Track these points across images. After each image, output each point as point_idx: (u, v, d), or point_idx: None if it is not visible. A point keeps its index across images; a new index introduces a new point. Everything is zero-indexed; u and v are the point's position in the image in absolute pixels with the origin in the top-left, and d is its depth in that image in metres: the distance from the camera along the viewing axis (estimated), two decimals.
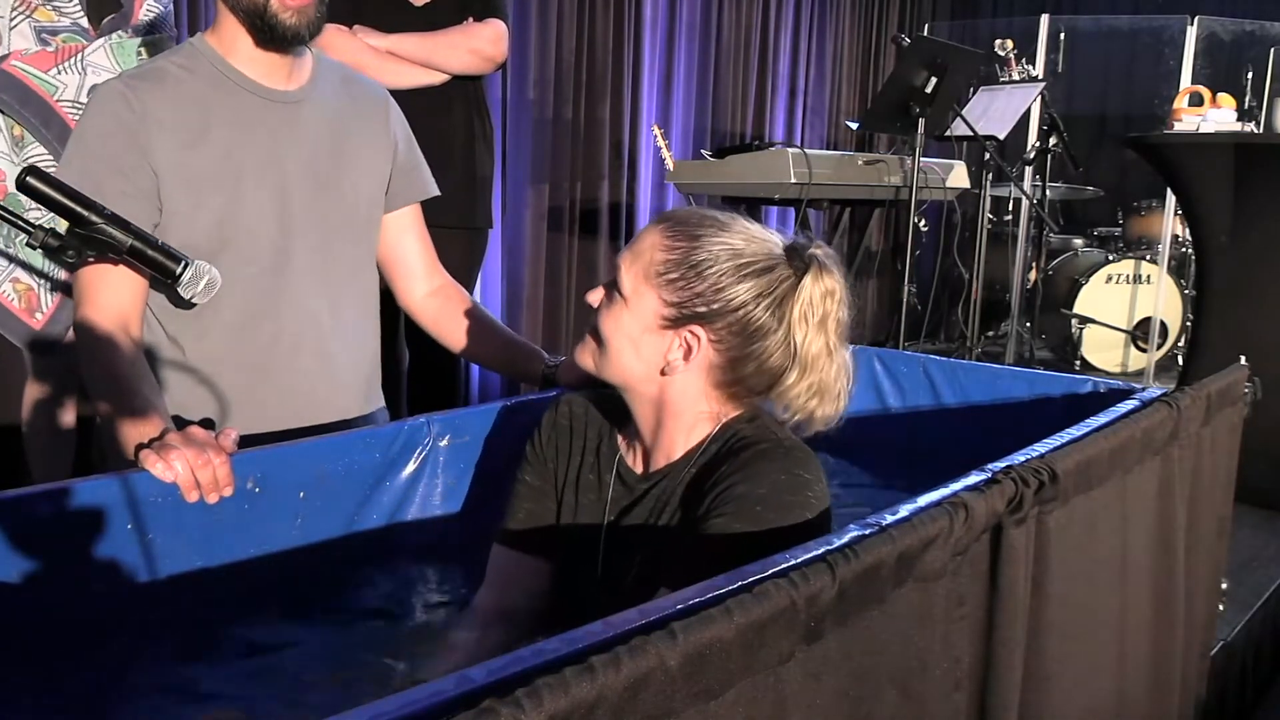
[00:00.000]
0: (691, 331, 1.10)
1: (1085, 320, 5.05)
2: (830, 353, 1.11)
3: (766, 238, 1.13)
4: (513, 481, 1.28)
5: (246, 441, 1.24)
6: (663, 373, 1.12)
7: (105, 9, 1.94)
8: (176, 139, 1.40)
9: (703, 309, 1.09)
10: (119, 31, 1.94)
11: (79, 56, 1.90)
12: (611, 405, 1.23)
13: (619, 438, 1.23)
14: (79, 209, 1.21)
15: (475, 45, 2.45)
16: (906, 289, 3.81)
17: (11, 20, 1.87)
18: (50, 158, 1.88)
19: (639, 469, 1.20)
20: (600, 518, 1.21)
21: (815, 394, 1.12)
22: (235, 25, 1.42)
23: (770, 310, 1.09)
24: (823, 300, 1.10)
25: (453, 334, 1.69)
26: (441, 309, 1.69)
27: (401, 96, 1.72)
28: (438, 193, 1.72)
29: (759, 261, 1.09)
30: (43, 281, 1.96)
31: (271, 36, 1.40)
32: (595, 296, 1.18)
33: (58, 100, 1.89)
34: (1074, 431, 1.20)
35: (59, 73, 1.89)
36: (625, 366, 1.14)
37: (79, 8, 1.91)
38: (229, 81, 1.44)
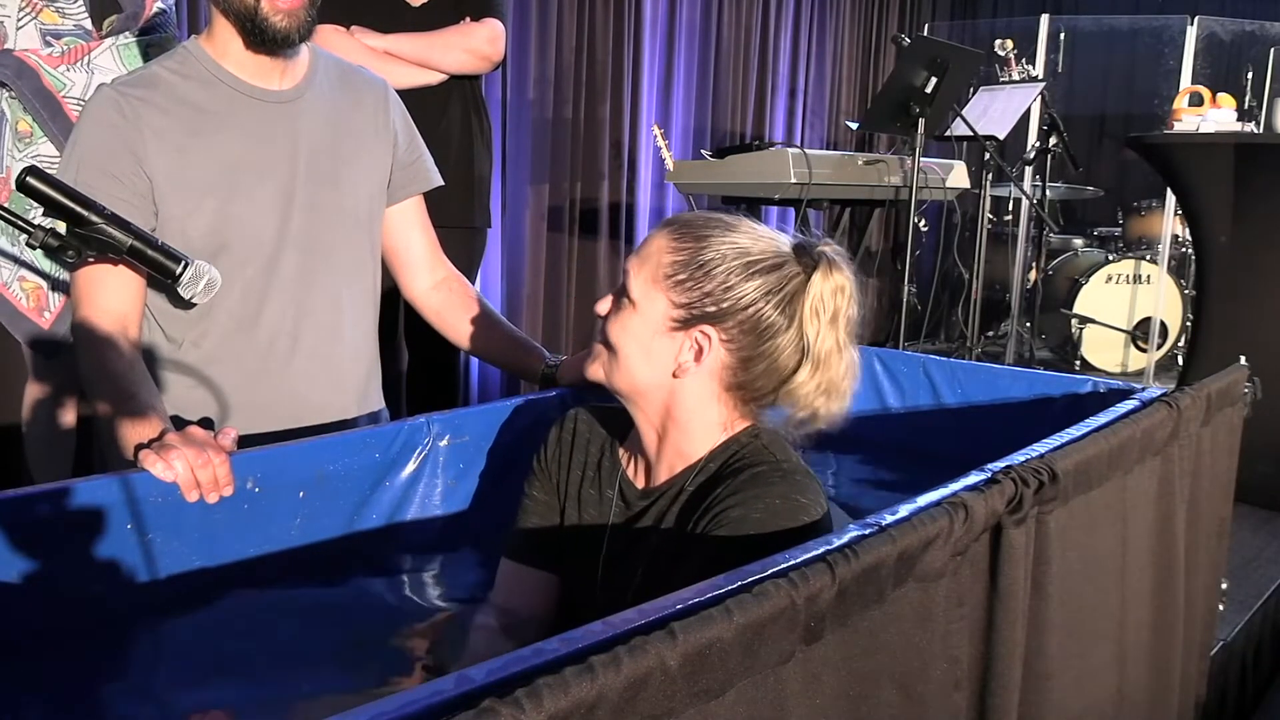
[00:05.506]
0: (702, 331, 1.09)
1: (1085, 320, 5.05)
2: (840, 350, 1.11)
3: (774, 237, 1.13)
4: (513, 483, 1.28)
5: (246, 441, 1.24)
6: (675, 375, 1.11)
7: (107, 10, 1.94)
8: (170, 144, 1.40)
9: (712, 308, 1.08)
10: (125, 33, 1.95)
11: (86, 58, 1.91)
12: (616, 420, 1.22)
13: (621, 452, 1.22)
14: (79, 209, 1.21)
15: (472, 45, 2.45)
16: (906, 289, 3.81)
17: (19, 21, 1.88)
18: (57, 155, 1.88)
19: (640, 483, 1.19)
20: (601, 533, 1.20)
21: (824, 391, 1.11)
22: (227, 28, 1.42)
23: (780, 308, 1.09)
24: (833, 296, 1.10)
25: (455, 327, 1.69)
26: (445, 302, 1.69)
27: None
28: (441, 183, 1.72)
29: (767, 259, 1.09)
30: (50, 281, 1.97)
31: (262, 39, 1.40)
32: (604, 305, 1.17)
33: (64, 96, 1.89)
34: (1074, 431, 1.20)
35: (67, 70, 1.89)
36: (636, 372, 1.12)
37: (82, 9, 1.92)
38: (222, 84, 1.44)
